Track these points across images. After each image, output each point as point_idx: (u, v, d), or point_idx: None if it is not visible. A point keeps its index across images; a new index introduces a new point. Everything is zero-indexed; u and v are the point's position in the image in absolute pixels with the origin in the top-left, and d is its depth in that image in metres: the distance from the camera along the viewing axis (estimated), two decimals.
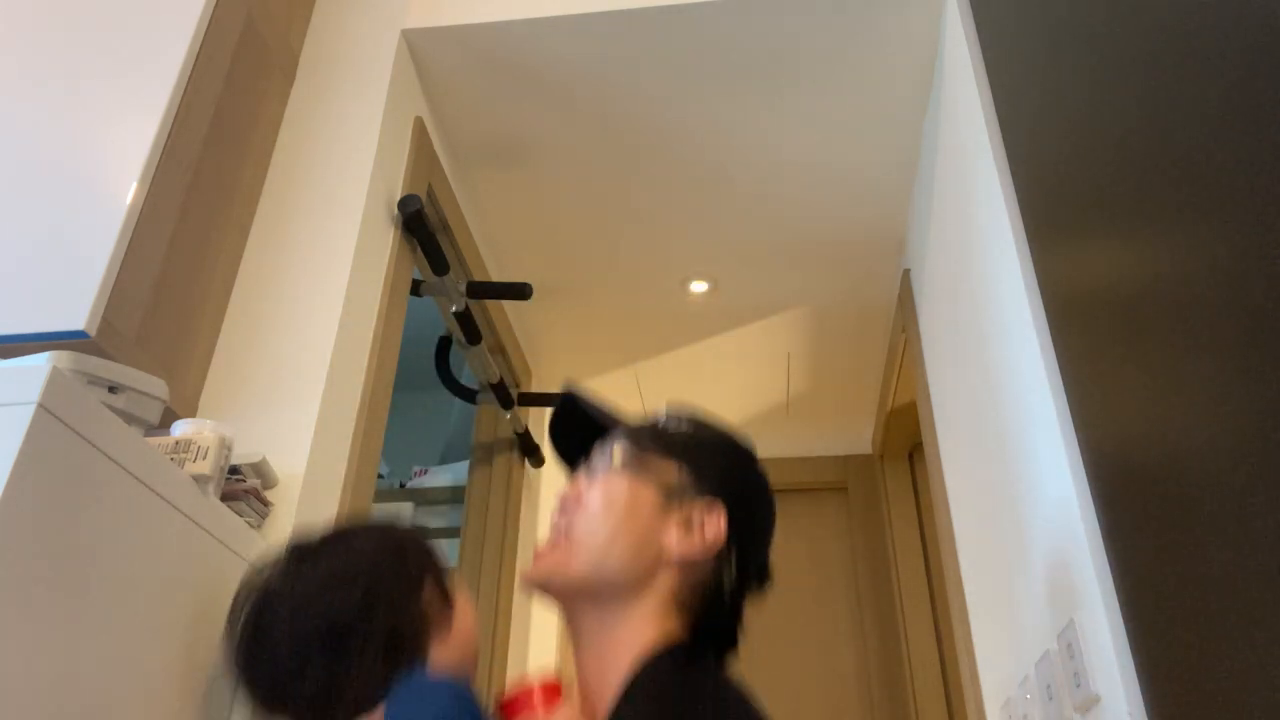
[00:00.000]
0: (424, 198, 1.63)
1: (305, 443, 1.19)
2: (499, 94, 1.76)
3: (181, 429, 1.01)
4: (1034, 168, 1.19)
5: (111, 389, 0.92)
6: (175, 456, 0.97)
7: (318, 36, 1.63)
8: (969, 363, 1.55)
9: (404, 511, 2.63)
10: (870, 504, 2.78)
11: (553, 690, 0.87)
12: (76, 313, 1.00)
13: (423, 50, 1.67)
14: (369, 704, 0.79)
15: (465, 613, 0.92)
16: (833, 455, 2.89)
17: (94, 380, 0.90)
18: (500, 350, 2.26)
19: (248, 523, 1.07)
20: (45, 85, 1.20)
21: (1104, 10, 0.93)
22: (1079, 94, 1.01)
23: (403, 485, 2.79)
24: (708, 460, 0.89)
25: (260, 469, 1.12)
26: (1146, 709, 0.87)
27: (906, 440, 2.70)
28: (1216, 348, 0.70)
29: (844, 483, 2.85)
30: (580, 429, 0.97)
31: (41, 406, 0.73)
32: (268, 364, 1.27)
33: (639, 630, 0.80)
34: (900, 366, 2.31)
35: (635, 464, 0.88)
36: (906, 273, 2.11)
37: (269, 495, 1.14)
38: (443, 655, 0.86)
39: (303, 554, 0.88)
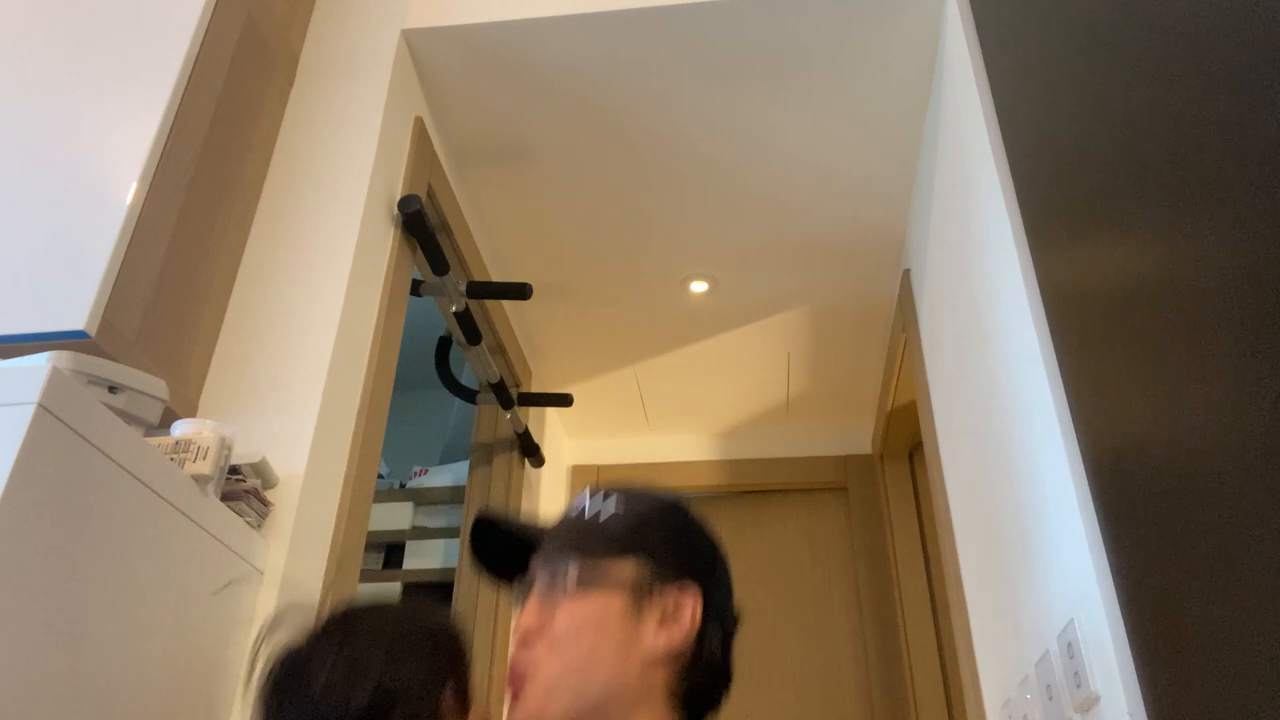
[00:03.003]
0: (424, 198, 1.63)
1: (305, 443, 1.19)
2: (499, 94, 1.76)
3: (181, 429, 1.02)
4: (1034, 168, 1.19)
5: (111, 389, 0.92)
6: (175, 456, 0.97)
7: (318, 36, 1.63)
8: (969, 363, 1.55)
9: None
10: (870, 504, 2.78)
11: None
12: (76, 313, 1.00)
13: (423, 50, 1.67)
14: None
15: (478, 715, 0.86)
16: (833, 455, 2.89)
17: (94, 380, 0.90)
18: (500, 350, 2.26)
19: (248, 523, 1.07)
20: (45, 86, 1.20)
21: (1104, 10, 0.93)
22: (1079, 94, 1.01)
23: (403, 485, 2.79)
24: (660, 541, 0.86)
25: (260, 469, 1.12)
26: (1146, 709, 0.87)
27: (906, 440, 2.70)
28: (1216, 347, 0.70)
29: (844, 483, 2.85)
30: (504, 542, 0.91)
31: (41, 406, 0.73)
32: (268, 364, 1.27)
33: None
34: (900, 366, 2.31)
35: (592, 577, 0.82)
36: (906, 273, 2.11)
37: (269, 495, 1.14)
38: None
39: (328, 630, 0.83)
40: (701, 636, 0.82)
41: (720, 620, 0.85)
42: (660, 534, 0.87)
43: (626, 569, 0.83)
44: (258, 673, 0.81)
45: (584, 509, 0.89)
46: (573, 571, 0.83)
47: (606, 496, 0.90)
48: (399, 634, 0.83)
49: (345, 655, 0.80)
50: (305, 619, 0.84)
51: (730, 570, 0.90)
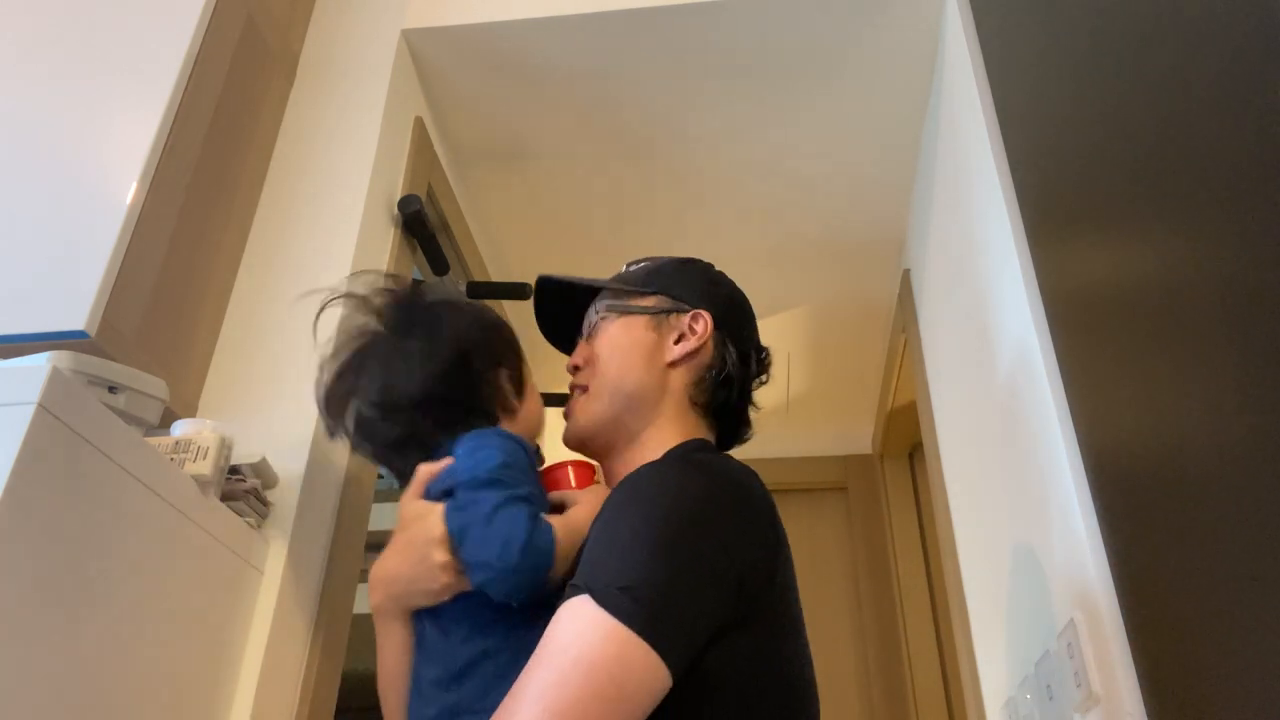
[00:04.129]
0: (424, 198, 1.63)
1: (305, 443, 1.19)
2: (499, 94, 1.76)
3: (181, 429, 1.01)
4: (1034, 167, 1.19)
5: (111, 389, 0.92)
6: (175, 456, 0.97)
7: (318, 36, 1.62)
8: (969, 363, 1.55)
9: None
10: (870, 504, 2.78)
11: (586, 468, 0.98)
12: (76, 313, 1.00)
13: (423, 50, 1.67)
14: (441, 453, 0.92)
15: (533, 399, 1.04)
16: (833, 455, 2.89)
17: (94, 380, 0.90)
18: None
19: (248, 523, 1.07)
20: (45, 85, 1.20)
21: (1103, 10, 0.93)
22: (1079, 93, 1.01)
23: (403, 485, 2.78)
24: (677, 280, 1.05)
25: (260, 469, 1.12)
26: (1146, 709, 0.87)
27: (906, 440, 2.70)
28: (1216, 347, 0.70)
29: (844, 483, 2.85)
30: (563, 310, 1.10)
31: (41, 406, 0.73)
32: (268, 364, 1.27)
33: (665, 438, 0.94)
34: (900, 366, 2.31)
35: (619, 309, 1.02)
36: (906, 273, 2.11)
37: (269, 495, 1.14)
38: (509, 429, 0.96)
39: (401, 319, 0.98)
40: (717, 349, 1.01)
41: (736, 343, 1.03)
42: (677, 277, 1.06)
43: (648, 300, 1.03)
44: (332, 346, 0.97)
45: (622, 271, 1.09)
46: (602, 307, 1.03)
47: (640, 260, 1.10)
48: (465, 327, 0.99)
49: (419, 341, 0.95)
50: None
51: (752, 317, 1.09)
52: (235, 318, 1.32)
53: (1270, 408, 0.62)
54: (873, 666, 2.57)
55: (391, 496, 2.89)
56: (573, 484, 0.96)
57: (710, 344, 1.01)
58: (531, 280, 2.00)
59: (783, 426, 2.90)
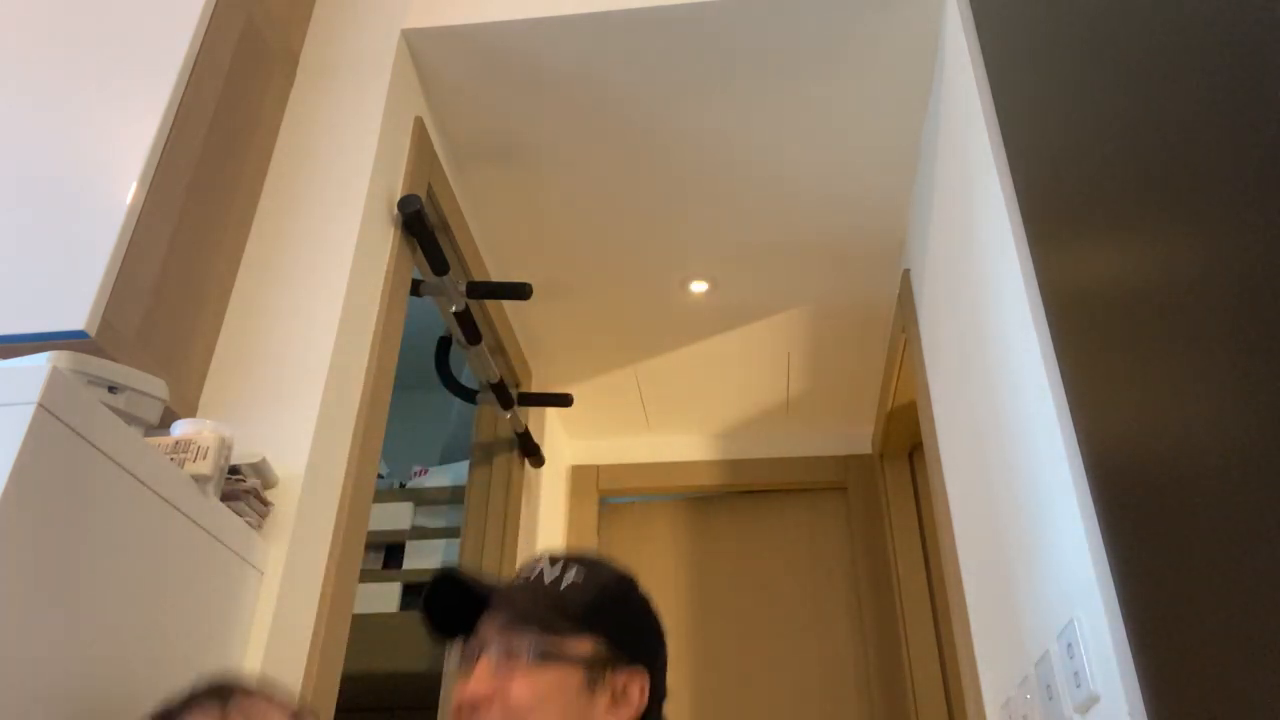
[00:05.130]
0: (424, 198, 1.63)
1: (305, 443, 1.19)
2: (499, 94, 1.76)
3: (181, 429, 1.01)
4: (1034, 168, 1.19)
5: (111, 389, 0.92)
6: (175, 456, 0.97)
7: (318, 36, 1.63)
8: (969, 363, 1.55)
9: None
10: (870, 504, 2.78)
11: None
12: (76, 313, 1.00)
13: (423, 50, 1.67)
14: None
15: None
16: (833, 455, 2.89)
17: (94, 380, 0.90)
18: (500, 350, 2.26)
19: (248, 523, 1.07)
20: (45, 86, 1.20)
21: (1103, 10, 0.93)
22: (1079, 94, 1.01)
23: (403, 485, 2.79)
24: (616, 623, 0.90)
25: (260, 469, 1.12)
26: (1146, 709, 0.87)
27: (906, 440, 2.70)
28: (1217, 347, 0.70)
29: (844, 483, 2.85)
30: (457, 598, 0.93)
31: (41, 406, 0.73)
32: (268, 364, 1.27)
33: None
34: (900, 366, 2.31)
35: (551, 651, 0.85)
36: (906, 273, 2.11)
37: (269, 495, 1.14)
38: None
39: None
40: (646, 713, 0.87)
41: (660, 701, 0.90)
42: (616, 615, 0.91)
43: (585, 647, 0.86)
44: None
45: (543, 574, 0.91)
46: (533, 643, 0.85)
47: (567, 566, 0.92)
48: None
49: None
50: None
51: (667, 651, 0.95)
52: (235, 318, 1.32)
53: (1271, 407, 0.62)
54: (873, 666, 2.57)
55: (392, 496, 2.87)
56: None
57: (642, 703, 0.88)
58: (531, 280, 2.02)
59: (783, 426, 2.90)
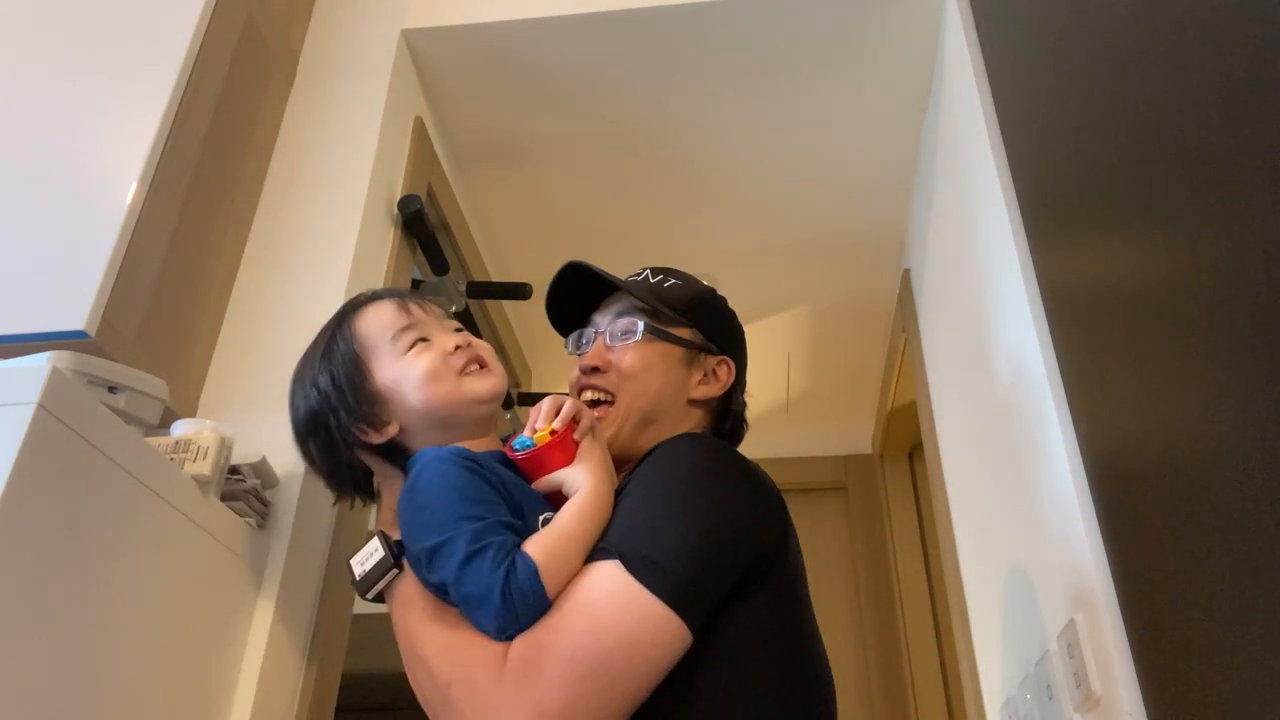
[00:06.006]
0: (424, 198, 1.63)
1: None
2: (499, 94, 1.76)
3: (181, 429, 1.01)
4: (1034, 167, 1.19)
5: (111, 389, 0.92)
6: (175, 456, 0.97)
7: (318, 36, 1.62)
8: (969, 363, 1.55)
9: None
10: (870, 504, 2.78)
11: (565, 436, 0.88)
12: (76, 313, 1.00)
13: (423, 50, 1.67)
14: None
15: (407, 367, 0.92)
16: (833, 455, 2.89)
17: (94, 380, 0.90)
18: (500, 350, 2.26)
19: (247, 523, 1.07)
20: (45, 86, 1.20)
21: (1104, 10, 0.93)
22: (1079, 94, 1.01)
23: None
24: (710, 319, 1.08)
25: (260, 469, 1.12)
26: (1146, 709, 0.87)
27: (906, 440, 2.70)
28: (1217, 347, 0.70)
29: (844, 483, 2.85)
30: (574, 297, 1.11)
31: (41, 406, 0.73)
32: (268, 364, 1.27)
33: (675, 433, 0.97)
34: (900, 366, 2.31)
35: (659, 330, 1.03)
36: (906, 273, 2.11)
37: (269, 495, 1.14)
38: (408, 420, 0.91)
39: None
40: (729, 397, 1.06)
41: (742, 389, 1.09)
42: (709, 313, 1.09)
43: (686, 332, 1.05)
44: None
45: (648, 278, 1.10)
46: (643, 324, 1.03)
47: (667, 274, 1.10)
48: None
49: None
50: None
51: (745, 346, 1.12)
52: (235, 318, 1.32)
53: (1271, 407, 0.62)
54: (873, 666, 2.57)
55: None
56: (559, 463, 0.87)
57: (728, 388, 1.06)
58: (531, 280, 2.01)
59: (783, 426, 2.90)
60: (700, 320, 1.06)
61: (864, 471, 2.85)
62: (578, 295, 1.11)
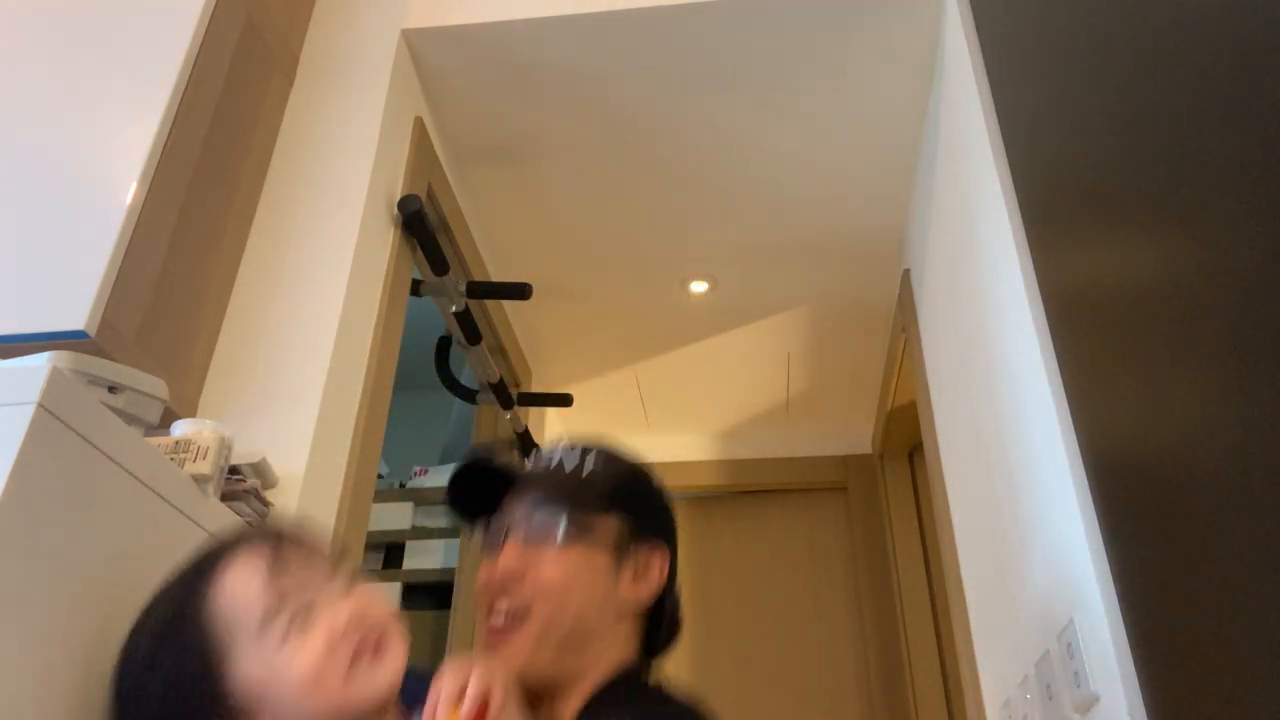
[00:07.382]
0: (424, 198, 1.63)
1: (305, 443, 1.19)
2: (499, 94, 1.76)
3: (181, 429, 1.01)
4: (1034, 167, 1.19)
5: (111, 389, 0.92)
6: (175, 456, 0.97)
7: (318, 36, 1.62)
8: (969, 363, 1.55)
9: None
10: (870, 504, 2.78)
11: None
12: (76, 313, 1.00)
13: (423, 50, 1.67)
14: None
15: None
16: (833, 455, 2.89)
17: (94, 380, 0.90)
18: (500, 350, 2.26)
19: (248, 523, 1.07)
20: (45, 85, 1.20)
21: (1104, 10, 0.93)
22: (1079, 94, 1.01)
23: (403, 485, 2.79)
24: (639, 504, 0.93)
25: (260, 469, 1.12)
26: (1146, 709, 0.87)
27: (906, 440, 2.70)
28: (1217, 347, 0.70)
29: (844, 483, 2.85)
30: (483, 485, 0.94)
31: (41, 406, 0.73)
32: (268, 364, 1.27)
33: (604, 666, 0.85)
34: (900, 366, 2.31)
35: (581, 531, 0.87)
36: (906, 273, 2.11)
37: (269, 495, 1.14)
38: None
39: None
40: (664, 592, 0.90)
41: (674, 577, 0.93)
42: (637, 494, 0.94)
43: (611, 525, 0.89)
44: None
45: (563, 460, 0.94)
46: (563, 523, 0.87)
47: (585, 452, 0.94)
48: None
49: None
50: None
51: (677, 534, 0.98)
52: (235, 318, 1.32)
53: (1271, 407, 0.62)
54: (873, 666, 2.57)
55: (392, 496, 2.87)
56: None
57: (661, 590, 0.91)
58: (531, 280, 2.01)
59: (783, 426, 2.90)
60: (628, 506, 0.91)
61: (864, 471, 2.85)
62: (490, 473, 0.94)
